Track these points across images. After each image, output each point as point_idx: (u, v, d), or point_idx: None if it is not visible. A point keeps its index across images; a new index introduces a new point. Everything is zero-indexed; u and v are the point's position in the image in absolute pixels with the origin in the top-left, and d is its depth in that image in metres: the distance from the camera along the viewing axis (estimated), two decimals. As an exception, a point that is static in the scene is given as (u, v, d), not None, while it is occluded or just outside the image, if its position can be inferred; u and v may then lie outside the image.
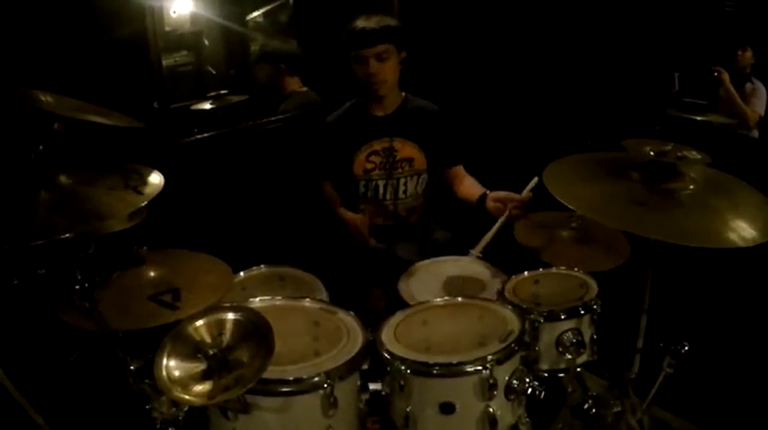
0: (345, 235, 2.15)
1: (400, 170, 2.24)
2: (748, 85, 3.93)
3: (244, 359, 1.08)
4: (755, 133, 3.91)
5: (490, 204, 2.05)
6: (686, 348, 1.57)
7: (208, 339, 1.12)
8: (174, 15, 3.65)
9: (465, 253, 2.07)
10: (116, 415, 1.76)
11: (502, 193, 2.04)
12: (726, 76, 3.89)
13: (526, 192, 1.97)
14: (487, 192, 2.11)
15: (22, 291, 1.57)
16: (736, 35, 4.01)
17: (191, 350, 1.10)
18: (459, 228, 2.35)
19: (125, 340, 1.43)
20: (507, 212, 1.97)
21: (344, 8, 2.73)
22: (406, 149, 2.23)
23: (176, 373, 1.06)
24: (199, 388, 1.05)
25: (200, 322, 1.14)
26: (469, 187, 2.25)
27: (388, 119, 2.25)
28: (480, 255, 2.01)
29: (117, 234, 1.55)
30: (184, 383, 1.04)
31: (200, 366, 1.09)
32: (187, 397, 1.03)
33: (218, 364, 1.08)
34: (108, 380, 1.55)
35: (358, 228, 2.11)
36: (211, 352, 1.09)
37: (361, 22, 2.11)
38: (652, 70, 3.52)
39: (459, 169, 2.33)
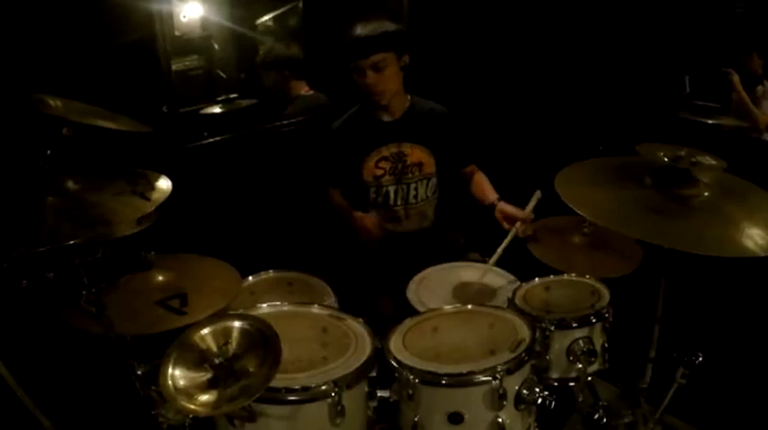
0: (355, 237, 2.13)
1: (410, 175, 2.22)
2: (759, 88, 3.89)
3: (250, 368, 1.07)
4: (767, 136, 3.86)
5: (497, 214, 2.07)
6: (700, 359, 1.54)
7: (214, 348, 1.11)
8: (184, 20, 3.66)
9: (477, 258, 2.05)
10: (123, 419, 1.76)
11: (508, 209, 2.04)
12: (736, 78, 3.85)
13: (528, 211, 1.96)
14: (496, 202, 2.11)
15: (31, 294, 1.56)
16: (748, 38, 3.97)
17: (196, 359, 1.09)
18: (471, 232, 2.33)
19: (132, 344, 1.43)
20: (515, 230, 1.95)
21: (354, 11, 2.73)
22: (415, 154, 2.21)
23: (181, 383, 1.05)
24: (204, 397, 1.03)
25: (205, 330, 1.13)
26: (481, 187, 2.26)
27: (397, 124, 2.23)
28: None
29: (126, 238, 1.54)
30: (189, 393, 1.03)
31: (205, 375, 1.08)
32: (192, 406, 1.02)
33: (223, 374, 1.07)
34: (115, 385, 1.55)
35: (368, 229, 2.09)
36: (217, 361, 1.08)
37: (357, 30, 2.05)
38: (663, 73, 3.50)
39: (473, 168, 2.33)
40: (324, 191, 2.31)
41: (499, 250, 1.94)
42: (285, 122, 2.89)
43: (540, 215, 2.00)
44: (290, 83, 3.05)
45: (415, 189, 2.23)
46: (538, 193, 1.94)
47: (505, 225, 2.01)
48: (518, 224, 1.95)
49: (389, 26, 2.08)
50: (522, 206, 2.00)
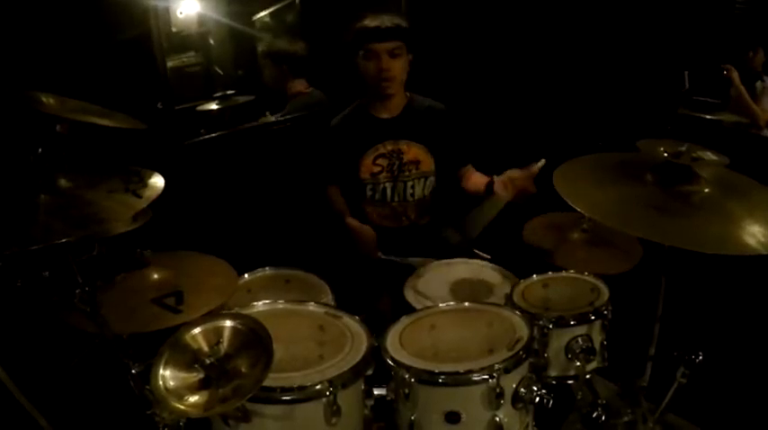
0: (352, 245, 2.12)
1: (407, 173, 2.20)
2: (759, 84, 3.88)
3: (242, 369, 1.06)
4: (767, 133, 3.85)
5: (497, 186, 1.98)
6: (700, 358, 1.53)
7: (205, 348, 1.10)
8: (180, 16, 3.64)
9: (474, 254, 2.04)
10: (119, 417, 1.75)
11: (507, 173, 1.96)
12: (735, 75, 3.84)
13: (532, 169, 1.87)
14: (494, 177, 2.04)
15: (26, 293, 1.55)
16: (751, 33, 3.95)
17: (188, 359, 1.08)
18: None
19: (129, 343, 1.42)
20: (512, 188, 1.89)
21: (351, 8, 2.71)
22: (412, 151, 2.20)
23: (172, 383, 1.03)
24: (195, 398, 1.02)
25: (197, 330, 1.12)
26: (478, 180, 2.21)
27: (394, 121, 2.22)
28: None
29: (121, 236, 1.53)
30: (180, 394, 1.02)
31: (197, 376, 1.07)
32: (183, 407, 1.01)
33: (215, 374, 1.05)
34: (111, 383, 1.54)
35: (365, 241, 2.08)
36: (209, 361, 1.07)
37: (372, 20, 2.07)
38: (662, 69, 3.48)
39: (469, 168, 2.30)
40: (322, 188, 2.30)
41: (487, 217, 1.91)
42: (282, 119, 2.88)
43: (539, 211, 1.98)
44: (288, 79, 3.03)
45: (412, 187, 2.22)
46: (542, 161, 1.85)
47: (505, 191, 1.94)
48: (516, 181, 1.88)
49: (402, 21, 2.12)
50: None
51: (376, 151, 2.19)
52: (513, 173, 1.94)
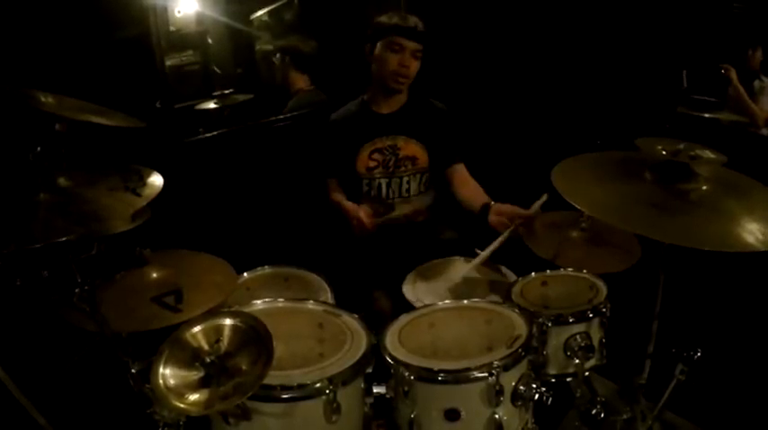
0: (348, 228, 2.11)
1: (403, 168, 2.21)
2: (757, 83, 3.89)
3: (243, 366, 1.06)
4: (765, 131, 3.85)
5: (493, 218, 1.94)
6: (699, 354, 1.53)
7: (205, 346, 1.10)
8: (179, 15, 3.64)
9: (472, 253, 2.03)
10: (118, 416, 1.75)
11: (506, 208, 1.93)
12: (733, 74, 3.84)
13: (535, 209, 1.84)
14: (491, 203, 1.99)
15: (25, 292, 1.55)
16: (751, 31, 3.96)
17: (188, 357, 1.08)
18: (466, 228, 2.32)
19: (128, 341, 1.42)
20: (512, 227, 1.86)
21: (350, 7, 2.71)
22: (409, 147, 2.20)
23: (172, 381, 1.03)
24: (195, 396, 1.02)
25: (197, 328, 1.12)
26: (472, 193, 2.15)
27: (393, 116, 2.22)
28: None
29: (120, 234, 1.53)
30: (180, 392, 1.02)
31: (197, 374, 1.06)
32: (183, 405, 1.00)
33: (216, 372, 1.05)
34: (111, 382, 1.54)
35: (361, 221, 2.02)
36: (209, 359, 1.07)
37: (405, 18, 2.09)
38: (660, 68, 3.48)
39: (461, 169, 2.24)
40: (322, 183, 2.30)
41: (486, 252, 1.87)
42: (281, 117, 2.88)
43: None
44: (290, 73, 3.04)
45: (408, 183, 2.22)
46: (545, 196, 1.81)
47: (503, 228, 1.89)
48: (516, 221, 1.85)
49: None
50: (521, 204, 1.91)
51: (373, 145, 2.19)
52: (514, 212, 1.88)
